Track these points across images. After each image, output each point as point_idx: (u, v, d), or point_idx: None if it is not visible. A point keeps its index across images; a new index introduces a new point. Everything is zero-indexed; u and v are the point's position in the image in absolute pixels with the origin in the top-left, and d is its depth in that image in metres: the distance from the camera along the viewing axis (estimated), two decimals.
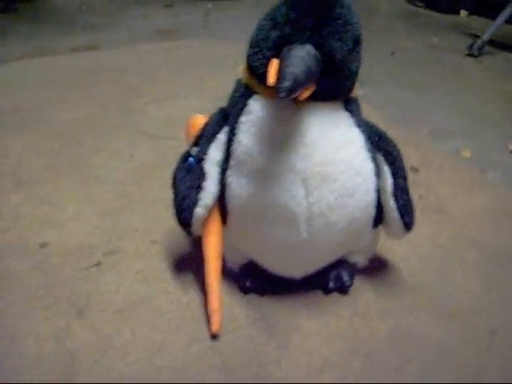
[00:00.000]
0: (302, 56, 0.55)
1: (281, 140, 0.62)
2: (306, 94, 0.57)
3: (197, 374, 0.65)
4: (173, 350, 0.68)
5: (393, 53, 1.79)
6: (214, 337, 0.70)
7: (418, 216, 0.93)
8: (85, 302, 0.75)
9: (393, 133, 1.17)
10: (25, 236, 0.87)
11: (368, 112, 1.20)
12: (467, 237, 0.91)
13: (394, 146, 0.70)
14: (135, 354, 0.68)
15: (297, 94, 0.54)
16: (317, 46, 0.57)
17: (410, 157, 1.11)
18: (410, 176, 1.03)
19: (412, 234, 0.89)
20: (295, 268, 0.73)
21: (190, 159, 0.71)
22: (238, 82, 0.68)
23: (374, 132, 0.69)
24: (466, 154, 1.19)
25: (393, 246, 0.86)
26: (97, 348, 0.69)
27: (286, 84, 0.52)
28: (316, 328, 0.72)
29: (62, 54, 1.60)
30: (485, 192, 1.04)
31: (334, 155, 0.62)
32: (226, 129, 0.68)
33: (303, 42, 0.57)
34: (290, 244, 0.67)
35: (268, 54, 0.60)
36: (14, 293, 0.76)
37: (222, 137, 0.68)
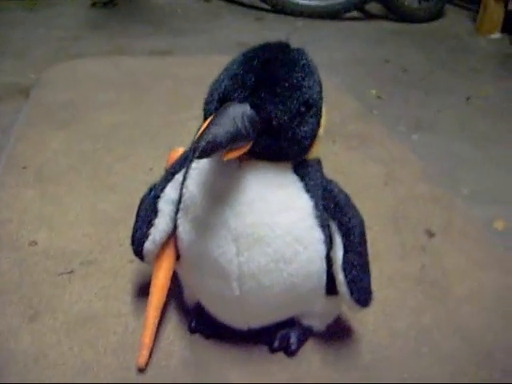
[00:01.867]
0: (232, 116, 0.54)
1: (220, 193, 0.61)
2: (236, 153, 0.56)
3: None
4: (98, 373, 0.70)
5: (468, 99, 1.69)
6: (141, 370, 0.70)
7: (411, 286, 0.89)
8: (43, 307, 0.79)
9: (424, 188, 1.14)
10: (20, 231, 0.93)
11: (403, 160, 1.16)
12: (454, 323, 0.83)
13: (353, 215, 0.66)
14: (63, 369, 0.70)
15: (217, 154, 0.53)
16: (255, 107, 0.55)
17: (432, 218, 1.07)
18: (423, 240, 1.00)
19: (392, 305, 0.85)
20: (236, 320, 0.72)
21: (152, 193, 0.72)
22: (199, 126, 0.68)
23: (331, 199, 0.65)
24: (499, 225, 1.10)
25: (365, 316, 0.81)
26: (34, 354, 0.72)
27: (201, 144, 0.51)
28: None
29: (134, 56, 1.67)
30: (499, 274, 0.96)
31: (269, 218, 0.60)
32: (183, 170, 0.68)
33: (242, 100, 0.56)
34: (225, 298, 0.66)
35: (212, 107, 0.59)
36: None
37: (179, 177, 0.68)
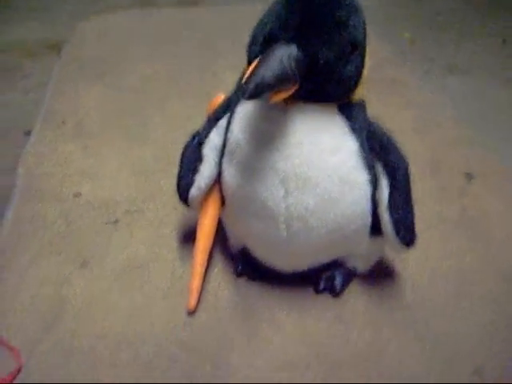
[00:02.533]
0: (279, 57, 0.54)
1: (267, 136, 0.62)
2: (283, 95, 0.56)
3: (163, 344, 0.69)
4: (150, 317, 0.72)
5: (505, 41, 1.64)
6: (191, 313, 0.72)
7: (451, 229, 0.89)
8: (91, 255, 0.81)
9: (460, 132, 1.12)
10: (64, 184, 0.94)
11: (438, 105, 1.14)
12: (495, 265, 0.83)
13: (398, 156, 0.66)
14: (116, 313, 0.72)
15: (265, 96, 0.53)
16: (301, 47, 0.55)
17: (469, 161, 1.06)
18: (462, 183, 0.99)
19: (433, 247, 0.85)
20: (282, 263, 0.73)
21: (195, 140, 0.72)
22: (244, 69, 0.67)
23: (376, 140, 0.65)
24: None
25: (406, 257, 0.82)
26: (86, 300, 0.74)
27: (250, 87, 0.52)
28: (292, 325, 0.72)
29: (162, 8, 1.65)
30: None
31: (317, 160, 0.61)
32: (228, 115, 0.68)
33: (288, 41, 0.55)
34: (272, 240, 0.67)
35: (257, 49, 0.59)
36: (35, 236, 0.84)
37: (223, 122, 0.69)
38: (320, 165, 0.60)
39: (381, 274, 0.80)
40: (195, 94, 1.21)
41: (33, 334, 0.69)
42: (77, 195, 0.92)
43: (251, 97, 0.52)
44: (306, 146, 0.60)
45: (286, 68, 0.54)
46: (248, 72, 0.54)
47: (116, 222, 0.87)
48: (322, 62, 0.56)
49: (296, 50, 0.55)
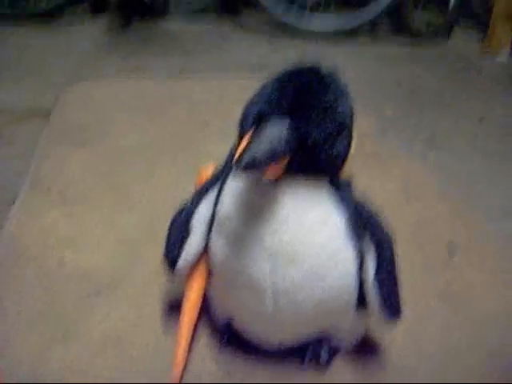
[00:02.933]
0: (270, 134, 0.55)
1: (255, 210, 0.62)
2: (274, 171, 0.58)
3: None
4: None
5: (482, 119, 1.71)
6: None
7: (438, 304, 0.90)
8: (72, 328, 0.80)
9: (443, 205, 1.14)
10: (48, 252, 0.94)
11: (421, 178, 1.16)
12: (481, 341, 0.83)
13: (383, 233, 0.67)
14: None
15: (257, 172, 0.55)
16: (292, 126, 0.57)
17: (452, 234, 1.07)
18: (445, 256, 1.00)
19: (420, 322, 0.85)
20: (268, 336, 0.72)
21: (183, 213, 0.73)
22: (235, 143, 0.69)
23: (362, 217, 0.66)
24: None
25: (392, 331, 0.81)
26: (68, 373, 0.72)
27: (243, 162, 0.53)
28: None
29: (148, 78, 1.70)
30: None
31: (304, 236, 0.62)
32: (217, 187, 0.69)
33: (279, 120, 0.57)
34: (258, 313, 0.67)
35: (248, 125, 0.60)
36: (18, 304, 0.83)
37: (212, 194, 0.69)
38: (307, 242, 0.61)
39: (366, 350, 0.79)
40: (180, 164, 1.22)
41: None
42: (60, 264, 0.91)
43: (245, 169, 0.53)
44: (293, 221, 0.61)
45: (276, 145, 0.55)
46: (240, 148, 0.56)
47: (98, 293, 0.86)
48: (310, 141, 0.57)
49: (287, 127, 0.57)
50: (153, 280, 0.89)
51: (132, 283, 0.89)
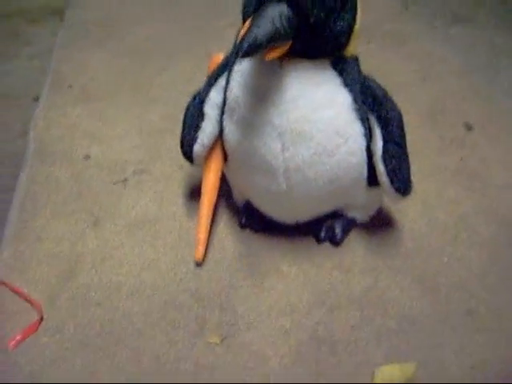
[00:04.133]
0: (270, 16, 0.56)
1: (263, 93, 0.64)
2: (277, 53, 0.59)
3: (172, 292, 0.73)
4: (160, 269, 0.76)
5: None
6: (198, 264, 0.76)
7: (449, 178, 0.92)
8: (103, 213, 0.85)
9: (462, 82, 1.13)
10: (74, 147, 0.98)
11: (440, 56, 1.14)
12: (494, 211, 0.86)
13: (391, 108, 0.68)
14: (128, 267, 0.77)
15: (258, 54, 0.56)
16: (291, 6, 0.57)
17: (470, 111, 1.07)
18: (461, 133, 1.01)
19: (431, 196, 0.88)
20: (284, 214, 0.77)
21: (196, 99, 0.75)
22: (239, 29, 0.69)
23: (369, 93, 0.68)
24: None
25: (405, 206, 0.85)
26: (100, 255, 0.79)
27: (244, 46, 0.54)
28: (294, 274, 0.76)
29: None
30: None
31: (311, 114, 0.63)
32: (226, 73, 0.71)
33: (279, 0, 0.57)
34: (272, 193, 0.71)
35: (251, 9, 0.61)
36: (49, 197, 0.88)
37: (222, 81, 0.71)
38: (313, 119, 0.63)
39: (380, 223, 0.83)
40: (197, 53, 1.22)
41: (51, 288, 0.74)
42: (86, 157, 0.95)
43: (245, 55, 0.55)
44: (300, 101, 0.63)
45: (277, 26, 0.56)
46: (241, 32, 0.57)
47: (125, 181, 0.91)
48: (312, 19, 0.58)
49: (287, 8, 0.57)
50: (176, 167, 0.93)
51: (158, 170, 0.93)
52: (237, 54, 0.54)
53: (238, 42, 0.55)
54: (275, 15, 0.56)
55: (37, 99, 1.10)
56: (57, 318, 0.70)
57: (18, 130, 1.01)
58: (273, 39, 0.56)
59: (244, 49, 0.54)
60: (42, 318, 0.70)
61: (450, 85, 1.15)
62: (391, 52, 1.29)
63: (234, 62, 0.58)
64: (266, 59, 0.58)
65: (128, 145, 0.98)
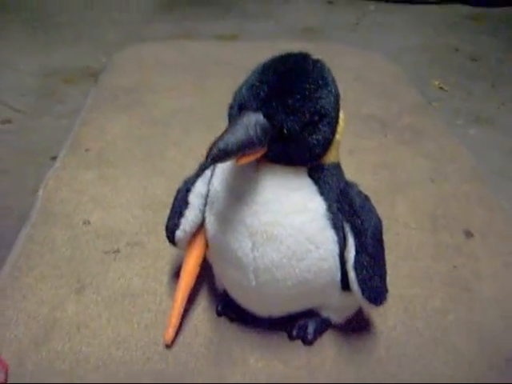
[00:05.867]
0: (245, 124, 0.59)
1: (239, 192, 0.66)
2: (250, 158, 0.61)
3: (137, 372, 0.74)
4: (130, 346, 0.77)
5: None
6: (167, 346, 0.77)
7: (438, 286, 0.91)
8: (89, 281, 0.88)
9: (470, 187, 1.13)
10: (77, 210, 1.02)
11: (454, 157, 1.15)
12: (477, 328, 0.84)
13: (366, 218, 0.69)
14: (100, 339, 0.78)
15: (228, 160, 0.58)
16: (267, 116, 0.59)
17: (472, 218, 1.07)
18: (459, 241, 1.00)
19: (416, 303, 0.87)
20: (255, 308, 0.77)
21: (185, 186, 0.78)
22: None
23: (346, 201, 0.68)
24: None
25: (386, 310, 0.84)
26: (76, 323, 0.80)
27: (214, 152, 0.57)
28: (260, 368, 0.76)
29: (200, 40, 1.73)
30: None
31: (282, 218, 0.65)
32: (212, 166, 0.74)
33: (256, 109, 0.60)
34: (244, 287, 0.72)
35: (234, 113, 0.64)
36: (43, 257, 0.91)
37: (208, 173, 0.74)
38: (284, 224, 0.65)
39: (357, 326, 0.82)
40: (216, 131, 1.26)
41: (23, 350, 0.76)
42: (86, 223, 0.99)
43: (215, 161, 0.57)
44: (272, 204, 0.65)
45: (250, 135, 0.58)
46: (216, 137, 0.59)
47: (117, 251, 0.93)
48: (286, 131, 0.60)
49: (262, 118, 0.59)
50: (168, 244, 0.95)
51: (150, 245, 0.95)
52: (206, 158, 0.57)
53: (209, 146, 0.58)
54: (250, 124, 0.59)
55: (54, 158, 1.15)
56: (21, 380, 0.72)
57: (31, 186, 1.06)
58: (245, 147, 0.58)
59: (213, 154, 0.56)
60: (6, 380, 0.72)
61: (457, 188, 1.15)
62: (406, 147, 1.31)
63: (206, 167, 0.60)
64: (238, 164, 0.60)
65: (128, 215, 1.02)
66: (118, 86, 1.42)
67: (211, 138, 1.21)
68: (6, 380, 0.72)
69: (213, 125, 1.30)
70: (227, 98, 1.41)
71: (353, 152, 1.23)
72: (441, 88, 1.62)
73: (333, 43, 1.80)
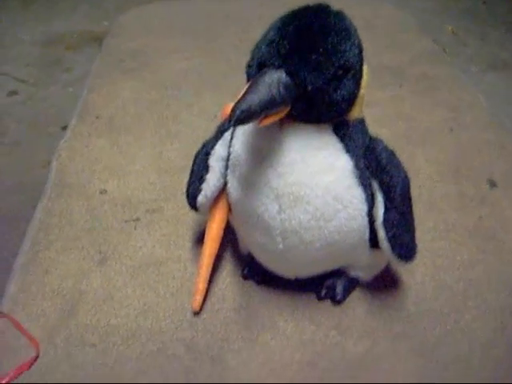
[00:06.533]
0: (267, 83, 0.56)
1: (263, 155, 0.64)
2: (274, 118, 0.58)
3: (166, 341, 0.73)
4: (158, 315, 0.77)
5: None
6: (195, 313, 0.77)
7: (465, 239, 0.90)
8: (111, 251, 0.87)
9: (490, 135, 1.10)
10: (92, 180, 1.00)
11: (472, 105, 1.12)
12: (506, 278, 0.82)
13: (394, 174, 0.67)
14: (127, 309, 0.78)
15: (252, 121, 0.56)
16: (289, 73, 0.57)
17: (495, 167, 1.04)
18: (483, 190, 0.98)
19: (443, 257, 0.86)
20: (282, 270, 0.76)
21: (204, 150, 0.76)
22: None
23: (372, 158, 0.66)
24: None
25: (414, 266, 0.82)
26: (102, 295, 0.80)
27: (237, 113, 0.54)
28: (290, 331, 0.75)
29: None
30: None
31: (309, 179, 0.63)
32: (231, 129, 0.71)
33: (278, 67, 0.57)
34: (270, 250, 0.70)
35: (252, 71, 0.61)
36: (63, 230, 0.90)
37: (228, 135, 0.71)
38: (311, 184, 0.63)
39: (385, 284, 0.81)
40: (226, 91, 1.23)
41: (51, 325, 0.76)
42: (103, 192, 0.97)
43: (238, 123, 0.55)
44: (298, 165, 0.62)
45: (273, 94, 0.56)
46: (238, 97, 0.57)
47: (137, 220, 0.92)
48: (310, 88, 0.57)
49: (284, 76, 0.56)
50: (188, 209, 0.93)
51: (170, 211, 0.94)
52: (229, 121, 0.55)
53: (231, 107, 0.55)
54: (273, 82, 0.56)
55: (65, 128, 1.13)
56: (52, 356, 0.72)
57: (43, 158, 1.04)
58: (268, 107, 0.56)
59: (237, 116, 0.54)
60: (37, 357, 0.72)
61: (477, 137, 1.12)
62: (422, 97, 1.27)
63: (227, 128, 0.58)
64: (261, 125, 0.58)
65: (145, 181, 1.00)
66: (123, 50, 1.39)
67: (222, 98, 1.20)
68: (37, 356, 0.71)
69: (222, 84, 1.28)
70: (236, 57, 1.38)
71: (368, 104, 1.18)
72: (454, 33, 1.57)
73: None
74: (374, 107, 1.20)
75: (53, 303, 0.79)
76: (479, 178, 1.02)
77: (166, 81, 1.29)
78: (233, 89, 1.21)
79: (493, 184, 1.01)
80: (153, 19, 1.55)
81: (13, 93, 1.45)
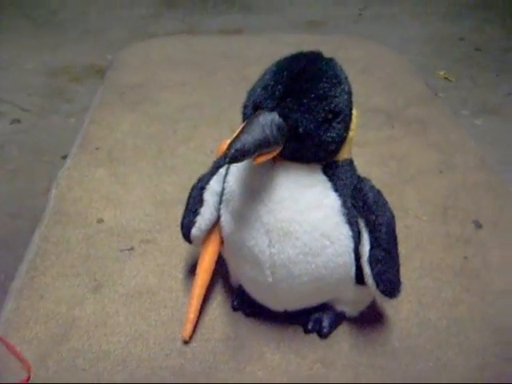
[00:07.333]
0: (261, 124, 0.59)
1: (255, 191, 0.67)
2: (267, 157, 0.62)
3: (156, 368, 0.75)
4: (148, 342, 0.79)
5: None
6: (185, 342, 0.78)
7: (450, 278, 0.92)
8: (105, 279, 0.89)
9: (479, 177, 1.14)
10: (90, 209, 1.03)
11: (462, 147, 1.15)
12: (489, 318, 0.85)
13: (380, 213, 0.70)
14: (118, 336, 0.80)
15: (246, 160, 0.59)
16: (282, 115, 0.60)
17: (482, 209, 1.07)
18: (469, 232, 1.01)
19: (428, 295, 0.88)
20: (271, 303, 0.78)
21: (199, 184, 0.79)
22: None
23: (359, 197, 0.70)
24: None
25: (399, 302, 0.85)
26: (94, 321, 0.82)
27: (231, 152, 0.57)
28: (276, 362, 0.77)
29: (205, 35, 1.73)
30: None
31: (298, 215, 0.66)
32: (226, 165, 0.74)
33: (272, 109, 0.61)
34: (260, 283, 0.73)
35: (248, 112, 0.64)
36: (59, 257, 0.93)
37: (223, 171, 0.75)
38: (300, 221, 0.66)
39: (370, 319, 0.83)
40: (224, 126, 1.28)
41: (43, 349, 0.77)
42: (99, 221, 1.00)
43: (232, 161, 0.58)
44: (288, 202, 0.66)
45: (267, 134, 0.59)
46: (233, 136, 0.60)
47: (131, 249, 0.94)
48: (301, 130, 0.61)
49: (278, 117, 0.60)
50: (182, 240, 0.95)
51: (164, 242, 0.97)
52: (224, 158, 0.58)
53: (227, 146, 0.59)
54: (266, 123, 0.60)
55: (65, 157, 1.16)
56: (43, 379, 0.73)
57: (43, 186, 1.07)
58: (261, 146, 0.59)
59: (231, 154, 0.57)
60: (28, 379, 0.73)
61: (465, 179, 1.16)
62: (413, 138, 1.31)
63: (223, 165, 0.61)
64: (255, 163, 0.61)
65: (140, 212, 1.03)
66: (125, 83, 1.43)
67: (219, 133, 1.24)
68: (29, 379, 0.73)
69: (220, 119, 1.32)
70: (234, 93, 1.43)
71: (361, 144, 1.23)
72: (446, 78, 1.63)
73: (337, 35, 1.80)
74: (367, 147, 1.24)
75: (46, 328, 0.80)
76: (466, 219, 1.05)
77: (165, 115, 1.33)
78: (230, 124, 1.26)
79: (478, 225, 1.04)
80: (154, 54, 1.60)
81: (16, 121, 1.48)
